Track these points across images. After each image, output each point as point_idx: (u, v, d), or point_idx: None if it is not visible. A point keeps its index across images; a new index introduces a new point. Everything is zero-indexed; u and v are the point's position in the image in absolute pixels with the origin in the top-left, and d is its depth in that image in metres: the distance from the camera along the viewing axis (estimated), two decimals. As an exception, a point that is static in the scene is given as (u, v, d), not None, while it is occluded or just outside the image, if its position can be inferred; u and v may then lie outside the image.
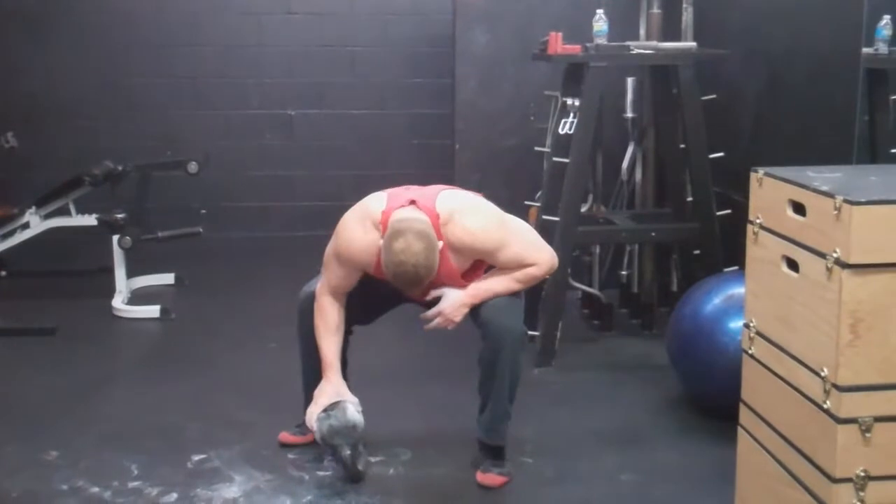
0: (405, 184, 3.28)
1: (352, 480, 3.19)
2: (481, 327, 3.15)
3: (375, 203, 3.16)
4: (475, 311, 3.17)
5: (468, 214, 3.11)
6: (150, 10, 6.14)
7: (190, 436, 3.52)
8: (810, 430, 2.48)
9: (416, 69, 6.27)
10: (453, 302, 3.14)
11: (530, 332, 4.31)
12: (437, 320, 3.16)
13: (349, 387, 3.31)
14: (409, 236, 2.96)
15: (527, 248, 3.18)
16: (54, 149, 6.03)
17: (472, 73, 5.24)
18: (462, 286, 3.15)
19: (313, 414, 3.20)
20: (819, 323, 2.42)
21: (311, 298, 3.29)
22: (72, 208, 5.10)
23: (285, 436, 3.45)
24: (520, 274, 3.16)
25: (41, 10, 6.03)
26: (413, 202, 3.09)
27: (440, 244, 3.03)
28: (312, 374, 3.33)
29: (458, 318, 3.16)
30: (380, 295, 3.28)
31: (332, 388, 3.23)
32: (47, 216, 5.09)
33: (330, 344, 3.25)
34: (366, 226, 3.12)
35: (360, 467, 3.20)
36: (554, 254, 3.24)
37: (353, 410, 3.20)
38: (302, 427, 3.39)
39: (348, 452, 3.18)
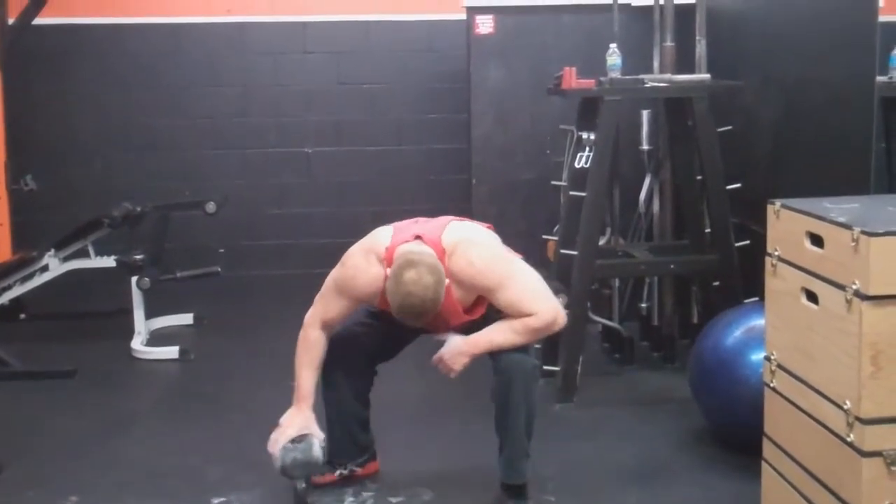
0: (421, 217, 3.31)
1: None
2: (492, 360, 3.14)
3: (381, 237, 3.18)
4: None
5: (473, 247, 3.09)
6: (167, 51, 6.20)
7: (210, 478, 3.50)
8: (834, 464, 2.45)
9: (432, 105, 6.29)
10: (453, 350, 3.11)
11: (551, 368, 4.32)
12: (439, 367, 3.15)
13: (374, 428, 3.35)
14: (421, 269, 2.96)
15: (528, 294, 3.08)
16: (73, 191, 6.08)
17: (488, 109, 5.26)
18: (464, 321, 3.13)
19: (278, 441, 3.22)
20: (840, 355, 2.40)
21: (336, 342, 3.31)
22: (91, 250, 5.13)
23: None
24: (518, 325, 3.06)
25: (59, 53, 6.09)
26: (418, 237, 3.10)
27: (447, 281, 3.03)
28: (336, 417, 3.36)
29: (457, 366, 3.12)
30: (400, 332, 3.28)
31: (302, 420, 3.25)
32: (66, 258, 5.12)
33: (308, 376, 3.26)
34: (370, 259, 3.13)
35: (309, 501, 3.23)
36: (559, 309, 3.11)
37: (318, 447, 3.23)
38: (321, 466, 3.37)
39: (304, 486, 3.20)
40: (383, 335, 3.32)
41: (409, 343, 3.39)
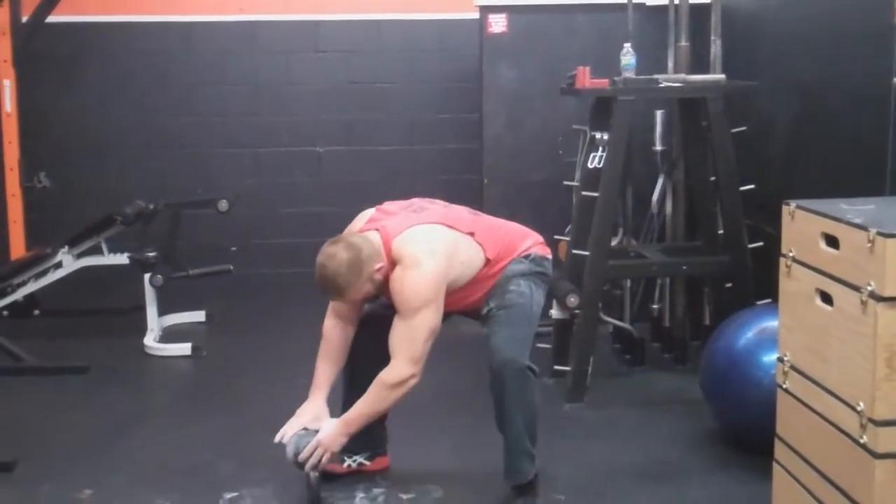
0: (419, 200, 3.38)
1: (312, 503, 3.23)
2: (488, 357, 3.15)
3: (356, 223, 3.28)
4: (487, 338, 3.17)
5: (413, 269, 3.07)
6: (179, 49, 6.21)
7: (222, 473, 3.52)
8: (847, 466, 2.45)
9: (444, 105, 6.29)
10: (329, 434, 3.19)
11: (561, 368, 4.32)
12: (317, 452, 3.19)
13: (386, 423, 3.40)
14: (339, 245, 3.07)
15: (406, 341, 3.08)
16: (86, 188, 6.09)
17: (500, 109, 5.26)
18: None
19: (289, 430, 3.27)
20: (854, 357, 2.39)
21: (366, 319, 3.34)
22: (104, 247, 5.14)
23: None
24: (377, 388, 3.12)
25: (71, 51, 6.11)
26: (377, 230, 3.15)
27: (379, 265, 3.08)
28: (355, 397, 3.34)
29: (335, 447, 3.21)
30: None
31: (314, 410, 3.30)
32: (80, 255, 5.14)
33: (325, 367, 3.32)
34: None
35: (322, 493, 3.25)
36: (416, 372, 3.09)
37: None
38: (332, 456, 3.39)
39: (316, 475, 3.22)
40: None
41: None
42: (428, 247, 3.12)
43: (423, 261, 3.08)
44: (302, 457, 3.20)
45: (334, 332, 3.31)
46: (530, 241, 3.35)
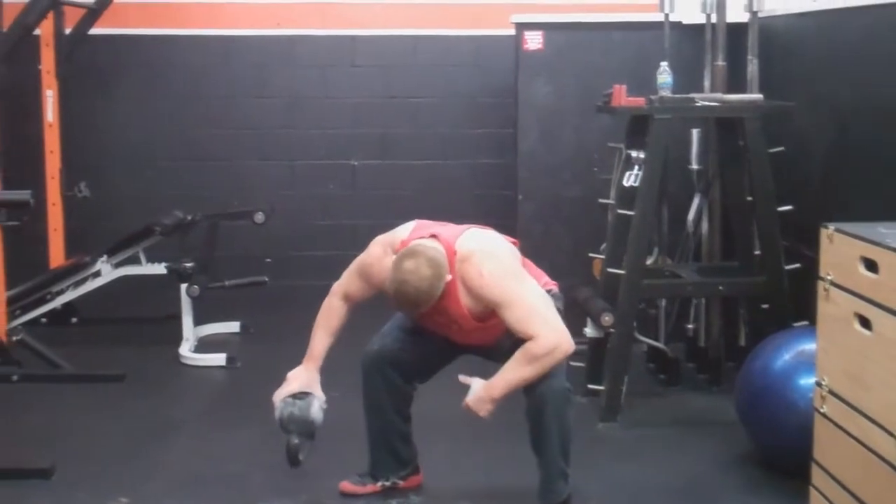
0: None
1: (290, 465, 3.28)
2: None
3: (401, 231, 3.27)
4: None
5: (487, 258, 3.11)
6: (217, 63, 6.26)
7: (255, 484, 3.54)
8: (885, 493, 2.44)
9: (479, 120, 6.30)
10: (475, 398, 3.14)
11: (595, 387, 4.31)
12: (468, 413, 3.17)
13: (419, 442, 3.41)
14: (420, 259, 3.03)
15: (532, 317, 3.05)
16: (125, 199, 6.15)
17: (535, 124, 5.26)
18: (475, 327, 3.17)
19: (280, 394, 3.32)
20: (893, 382, 2.38)
21: (376, 359, 3.35)
22: (142, 257, 5.21)
23: (346, 485, 3.45)
24: (523, 356, 3.04)
25: (113, 63, 6.18)
26: (434, 236, 3.15)
27: (449, 278, 3.07)
28: (378, 432, 3.40)
29: (483, 413, 3.14)
30: (436, 351, 3.33)
31: (306, 378, 3.35)
32: (118, 265, 5.21)
33: (322, 339, 3.37)
34: (386, 251, 3.23)
35: (300, 457, 3.28)
36: (563, 336, 3.06)
37: (318, 407, 3.31)
38: (363, 477, 3.43)
39: (296, 441, 3.26)
40: (421, 354, 3.36)
41: (447, 364, 3.41)
42: (490, 238, 3.24)
43: (491, 248, 3.17)
44: (463, 407, 3.15)
45: (339, 311, 3.36)
46: (545, 279, 3.37)
